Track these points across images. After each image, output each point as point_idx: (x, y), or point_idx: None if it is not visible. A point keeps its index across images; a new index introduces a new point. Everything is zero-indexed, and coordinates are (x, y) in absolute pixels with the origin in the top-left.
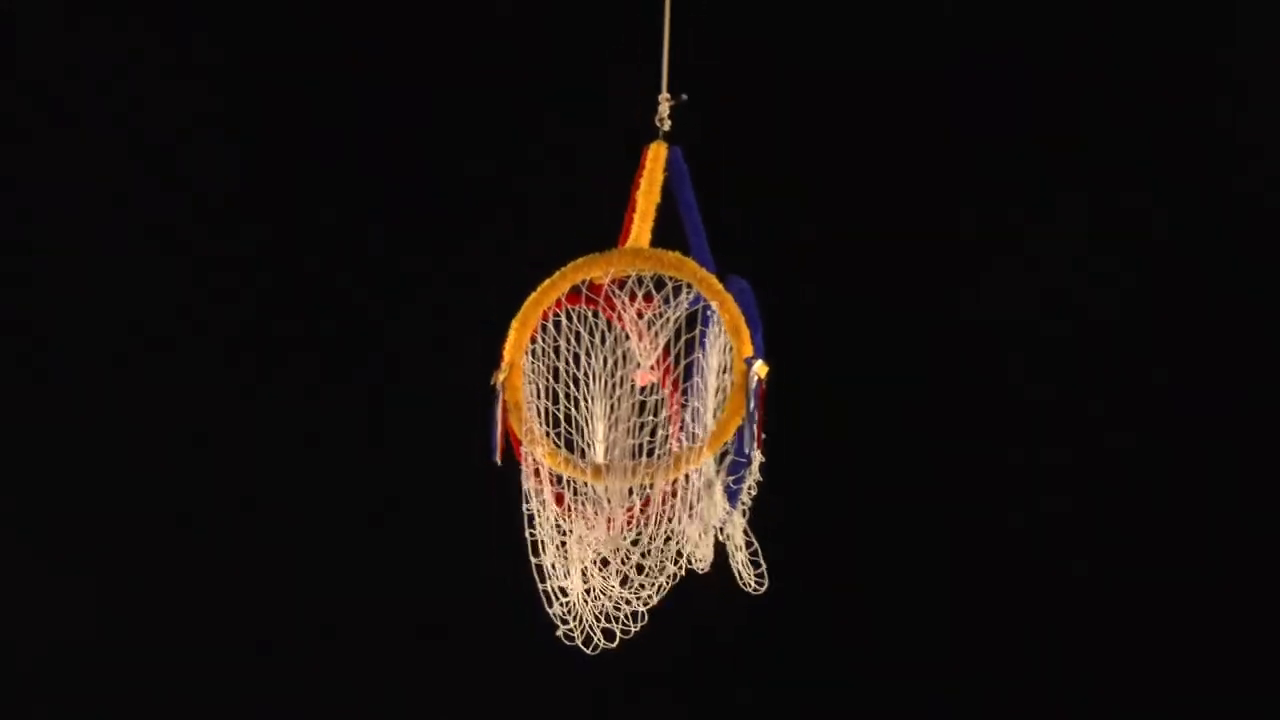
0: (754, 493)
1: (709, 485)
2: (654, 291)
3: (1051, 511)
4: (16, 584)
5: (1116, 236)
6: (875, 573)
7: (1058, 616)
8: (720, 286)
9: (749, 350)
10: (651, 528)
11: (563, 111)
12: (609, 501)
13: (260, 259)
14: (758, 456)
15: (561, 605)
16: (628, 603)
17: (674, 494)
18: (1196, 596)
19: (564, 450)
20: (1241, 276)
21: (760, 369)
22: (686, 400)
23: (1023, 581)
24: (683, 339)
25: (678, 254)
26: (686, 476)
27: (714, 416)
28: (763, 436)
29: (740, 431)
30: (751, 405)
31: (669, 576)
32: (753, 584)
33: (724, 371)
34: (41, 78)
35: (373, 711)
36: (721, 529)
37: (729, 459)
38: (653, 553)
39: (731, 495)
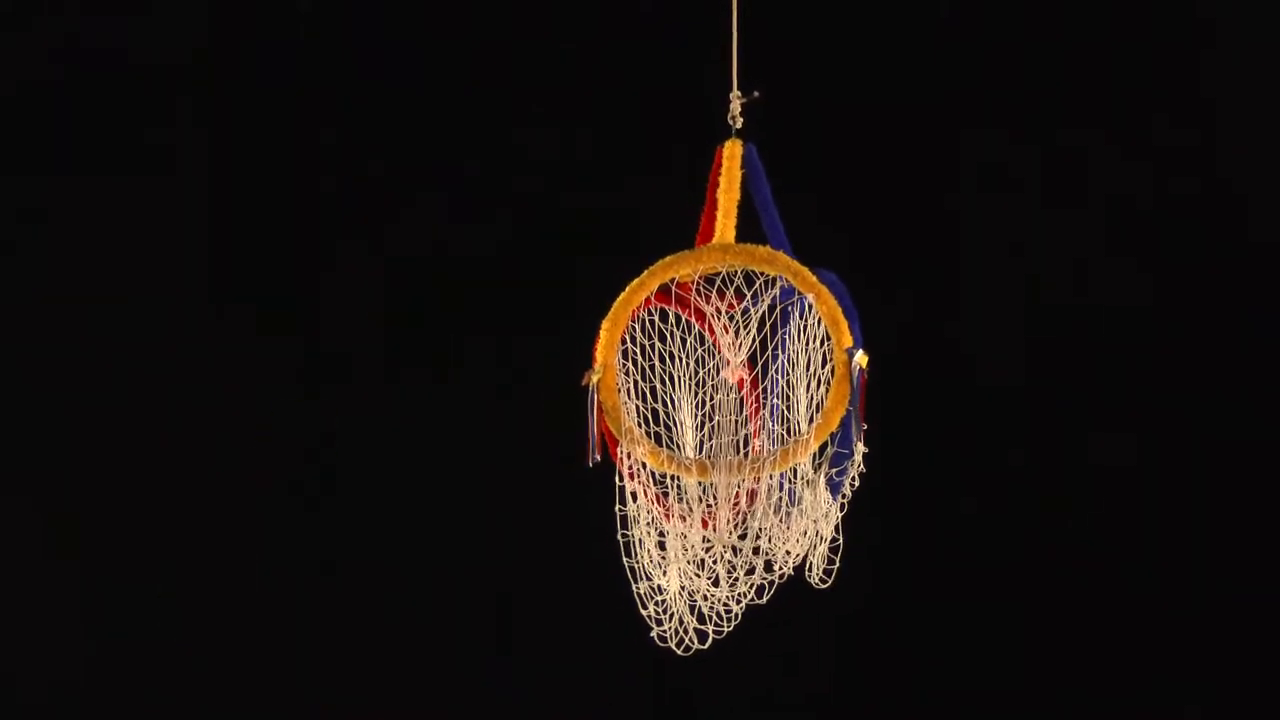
0: (856, 485)
1: (810, 479)
2: (745, 288)
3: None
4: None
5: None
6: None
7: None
8: (814, 279)
9: (849, 341)
10: (756, 523)
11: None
12: (714, 499)
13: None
14: (861, 448)
15: (657, 606)
16: (726, 604)
17: (778, 488)
18: None
19: (665, 449)
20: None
21: (861, 359)
22: (766, 396)
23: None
24: (779, 335)
25: (768, 248)
26: (791, 470)
27: (811, 410)
28: (865, 427)
29: (844, 423)
30: (854, 396)
31: (771, 573)
32: (818, 579)
33: (817, 365)
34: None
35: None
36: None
37: (831, 451)
38: (759, 549)
39: (834, 487)
